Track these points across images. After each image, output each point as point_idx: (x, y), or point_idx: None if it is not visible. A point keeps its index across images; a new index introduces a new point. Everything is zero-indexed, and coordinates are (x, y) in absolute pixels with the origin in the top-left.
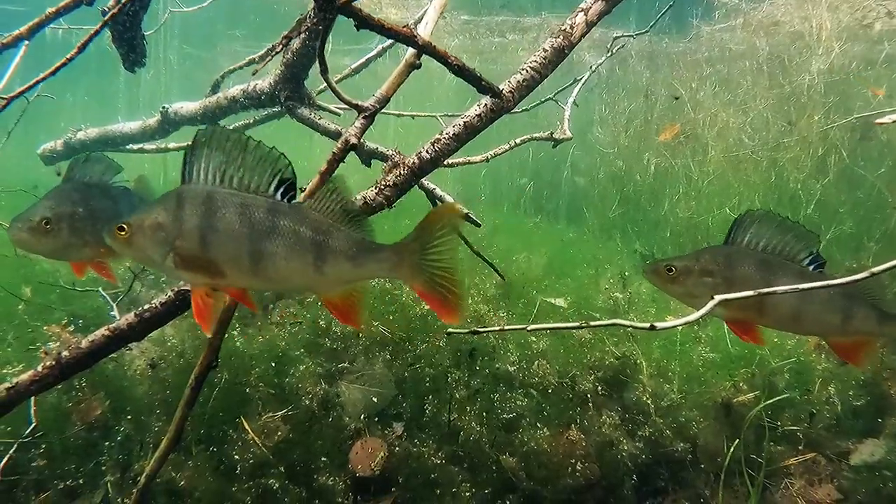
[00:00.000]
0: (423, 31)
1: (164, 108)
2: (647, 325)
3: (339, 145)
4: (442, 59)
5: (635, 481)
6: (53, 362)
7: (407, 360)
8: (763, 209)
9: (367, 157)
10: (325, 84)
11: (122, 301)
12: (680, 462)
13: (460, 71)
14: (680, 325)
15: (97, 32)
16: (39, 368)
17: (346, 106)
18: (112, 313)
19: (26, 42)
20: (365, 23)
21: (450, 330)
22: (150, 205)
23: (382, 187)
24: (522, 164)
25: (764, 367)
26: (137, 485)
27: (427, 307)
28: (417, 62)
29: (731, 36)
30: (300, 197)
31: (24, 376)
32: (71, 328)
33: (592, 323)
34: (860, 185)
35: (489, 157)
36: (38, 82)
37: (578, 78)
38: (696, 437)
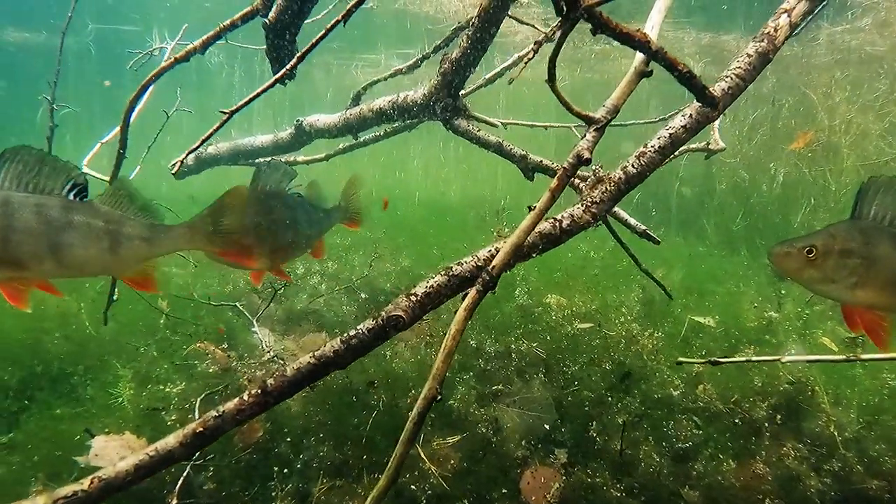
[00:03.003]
0: (651, 37)
1: (298, 121)
2: None
3: (571, 160)
4: (671, 65)
5: None
6: (259, 391)
7: (561, 382)
8: (888, 176)
9: (532, 170)
10: (552, 92)
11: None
12: (875, 501)
13: (688, 79)
14: None
15: (319, 41)
16: (245, 397)
17: (496, 119)
18: (253, 329)
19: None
20: (602, 27)
21: (681, 359)
22: None
23: (589, 204)
24: None
25: None
26: None
27: (576, 328)
28: (648, 69)
29: (855, 37)
30: (532, 214)
31: (230, 405)
32: (224, 345)
33: (864, 356)
34: None
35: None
36: (249, 101)
37: None
38: (892, 473)
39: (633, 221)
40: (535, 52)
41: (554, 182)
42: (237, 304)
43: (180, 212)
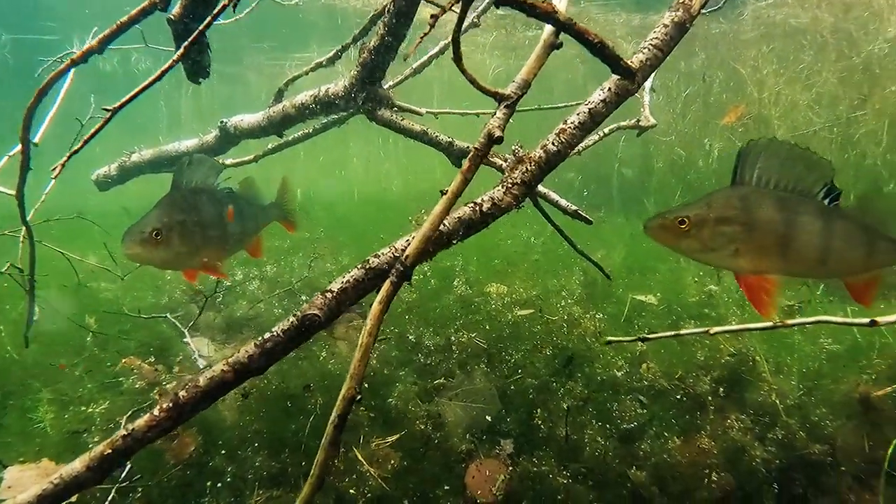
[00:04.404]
0: (559, 7)
1: (222, 122)
2: (867, 320)
3: (482, 139)
4: (581, 36)
5: (777, 489)
6: (170, 404)
7: (504, 371)
8: (769, 137)
9: (459, 156)
10: (459, 70)
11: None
12: (818, 465)
13: (600, 49)
14: None
15: (206, 27)
16: (156, 412)
17: (420, 107)
18: (185, 340)
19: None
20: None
21: (610, 338)
22: None
23: (510, 186)
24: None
25: (890, 356)
26: None
27: (517, 315)
28: (558, 41)
29: (779, 11)
30: (444, 199)
31: (141, 422)
32: (152, 359)
33: (790, 322)
34: None
35: (580, 149)
36: (134, 96)
37: None
38: (833, 437)
39: (563, 203)
40: (432, 27)
41: (465, 164)
42: (168, 315)
43: (111, 226)
